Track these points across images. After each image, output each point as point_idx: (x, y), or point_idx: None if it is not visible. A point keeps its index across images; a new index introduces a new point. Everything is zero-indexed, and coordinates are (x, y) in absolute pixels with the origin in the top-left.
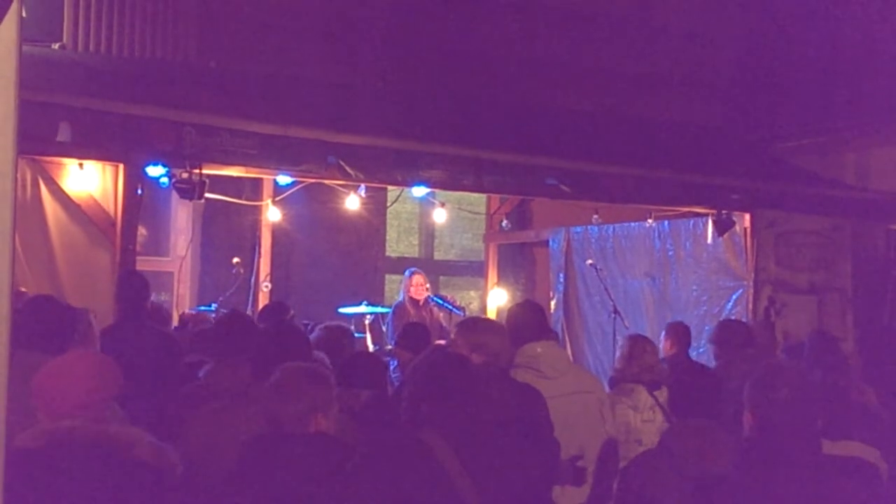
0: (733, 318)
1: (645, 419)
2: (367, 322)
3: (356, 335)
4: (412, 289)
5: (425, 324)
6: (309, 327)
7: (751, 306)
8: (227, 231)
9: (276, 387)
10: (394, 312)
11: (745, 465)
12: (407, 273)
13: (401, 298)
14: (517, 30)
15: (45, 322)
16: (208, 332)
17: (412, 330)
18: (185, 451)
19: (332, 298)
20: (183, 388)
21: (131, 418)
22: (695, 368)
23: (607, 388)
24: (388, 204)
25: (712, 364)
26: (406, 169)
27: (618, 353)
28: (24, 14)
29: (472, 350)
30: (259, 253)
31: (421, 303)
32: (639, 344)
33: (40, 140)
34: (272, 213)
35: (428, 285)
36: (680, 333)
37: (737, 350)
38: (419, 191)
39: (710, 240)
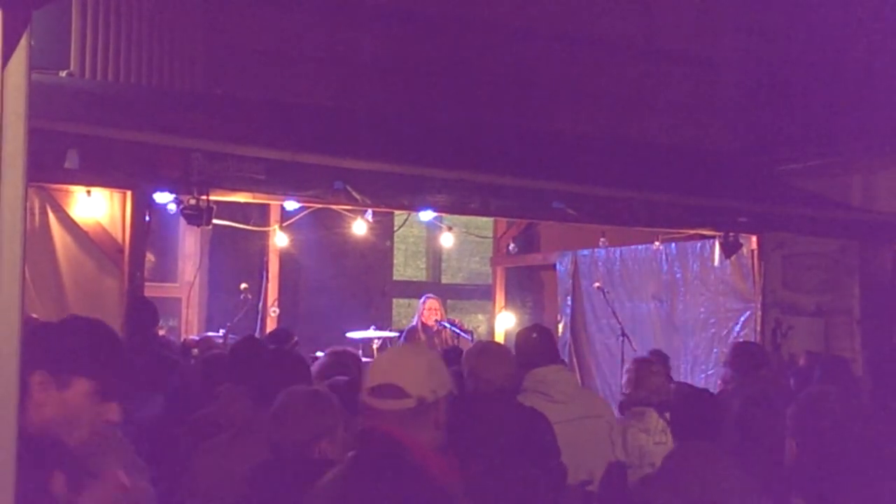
0: (741, 340)
1: (657, 442)
2: (374, 347)
3: (364, 359)
4: (425, 313)
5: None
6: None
7: (758, 328)
8: (234, 257)
9: (276, 414)
10: (405, 337)
11: (786, 494)
12: (422, 298)
13: (414, 323)
14: (522, 54)
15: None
16: (223, 358)
17: None
18: (193, 484)
19: (340, 323)
20: (190, 417)
21: (137, 446)
22: (695, 392)
23: (617, 413)
24: (396, 228)
25: (721, 386)
26: (412, 193)
27: (624, 378)
28: (31, 42)
29: (477, 376)
30: (267, 278)
31: (434, 328)
32: (644, 366)
33: (48, 167)
34: (279, 239)
35: (440, 310)
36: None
37: (751, 372)
38: (426, 215)
39: (717, 262)
